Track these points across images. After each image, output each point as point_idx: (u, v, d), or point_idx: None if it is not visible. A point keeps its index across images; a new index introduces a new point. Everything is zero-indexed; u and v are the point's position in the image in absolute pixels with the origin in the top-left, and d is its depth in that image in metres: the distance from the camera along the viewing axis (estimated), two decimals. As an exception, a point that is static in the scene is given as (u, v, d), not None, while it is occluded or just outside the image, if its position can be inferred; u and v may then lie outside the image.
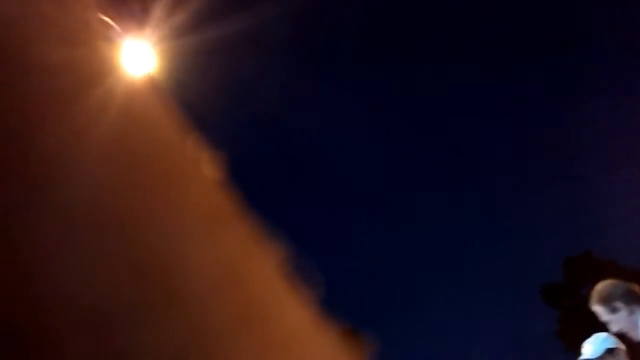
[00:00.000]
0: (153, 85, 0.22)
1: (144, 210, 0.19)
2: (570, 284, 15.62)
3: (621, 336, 2.91)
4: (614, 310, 2.80)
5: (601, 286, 2.87)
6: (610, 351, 2.94)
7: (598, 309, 2.85)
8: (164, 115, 0.22)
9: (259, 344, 0.20)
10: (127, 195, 0.19)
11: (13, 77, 0.18)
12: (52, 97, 0.19)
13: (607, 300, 2.81)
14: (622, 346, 2.96)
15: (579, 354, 3.03)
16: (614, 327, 2.84)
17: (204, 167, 0.23)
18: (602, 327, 2.91)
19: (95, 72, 0.20)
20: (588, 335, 3.06)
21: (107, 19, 0.23)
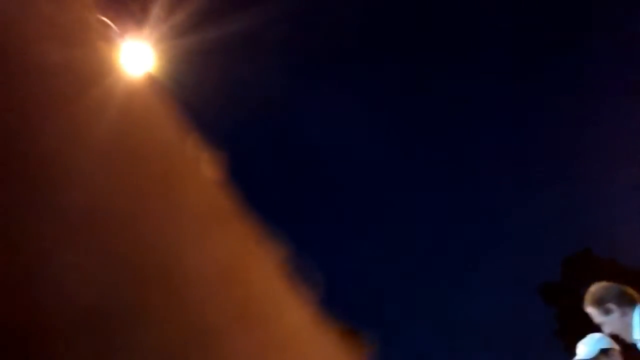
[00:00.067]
0: (152, 85, 0.22)
1: (144, 210, 0.19)
2: (569, 283, 15.62)
3: (615, 337, 2.92)
4: (606, 311, 2.81)
5: (594, 288, 2.89)
6: (604, 352, 2.95)
7: (591, 310, 2.86)
8: (163, 115, 0.22)
9: (259, 344, 0.20)
10: (126, 195, 0.19)
11: (13, 77, 0.18)
12: (51, 97, 0.19)
13: (600, 302, 2.82)
14: (616, 347, 2.97)
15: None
16: (607, 329, 2.85)
17: (203, 167, 0.23)
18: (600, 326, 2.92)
19: (94, 72, 0.20)
20: (587, 335, 3.06)
21: (106, 19, 0.23)
